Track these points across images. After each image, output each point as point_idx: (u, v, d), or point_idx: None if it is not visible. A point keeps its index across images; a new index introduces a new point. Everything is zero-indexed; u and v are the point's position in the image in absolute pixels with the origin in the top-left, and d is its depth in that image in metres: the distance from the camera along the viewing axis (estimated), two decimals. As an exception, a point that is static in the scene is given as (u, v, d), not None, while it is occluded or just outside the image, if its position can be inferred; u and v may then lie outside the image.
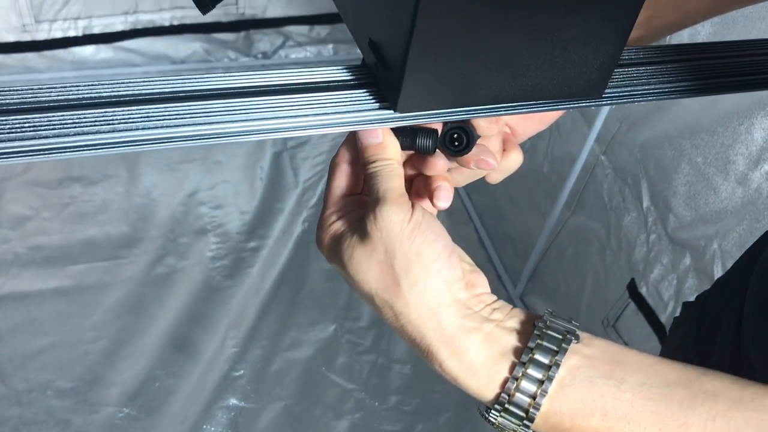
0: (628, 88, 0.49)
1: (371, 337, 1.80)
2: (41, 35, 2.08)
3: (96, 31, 2.13)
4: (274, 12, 2.25)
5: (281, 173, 2.10)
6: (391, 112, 0.45)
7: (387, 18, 0.43)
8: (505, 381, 0.43)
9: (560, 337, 0.43)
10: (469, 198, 2.11)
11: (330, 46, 2.38)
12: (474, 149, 0.49)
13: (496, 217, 2.04)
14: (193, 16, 2.15)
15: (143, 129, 0.41)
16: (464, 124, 0.48)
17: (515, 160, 0.53)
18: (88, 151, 0.40)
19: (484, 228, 2.08)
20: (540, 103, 0.47)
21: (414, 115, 0.45)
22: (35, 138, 0.40)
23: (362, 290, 0.46)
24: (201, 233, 1.94)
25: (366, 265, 0.45)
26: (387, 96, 0.45)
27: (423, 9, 0.39)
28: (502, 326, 0.44)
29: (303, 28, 2.34)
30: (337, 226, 0.48)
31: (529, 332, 0.44)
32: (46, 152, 0.40)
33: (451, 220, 2.06)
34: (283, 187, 2.08)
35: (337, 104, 0.45)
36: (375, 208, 0.45)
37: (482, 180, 0.55)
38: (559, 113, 0.53)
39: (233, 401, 1.66)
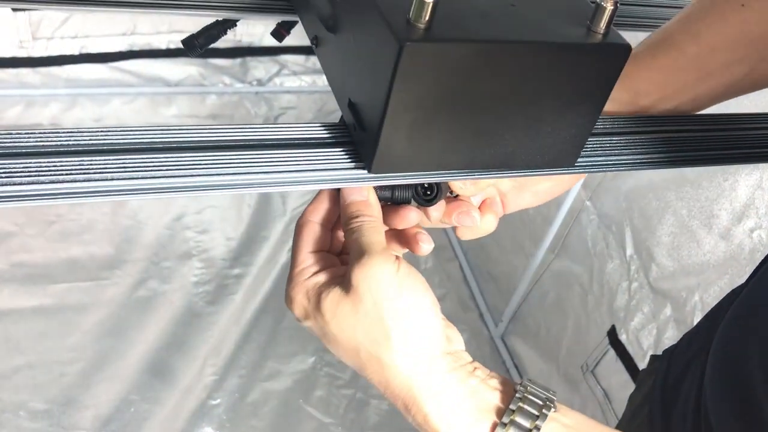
0: (601, 158, 0.49)
1: (350, 371, 1.79)
2: (38, 52, 2.09)
3: (92, 50, 2.14)
4: (270, 40, 2.26)
5: (269, 201, 2.11)
6: (365, 172, 0.45)
7: (365, 82, 0.43)
8: None
9: (540, 402, 0.44)
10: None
11: (324, 76, 2.39)
12: (458, 203, 0.50)
13: (481, 256, 2.04)
14: (191, 40, 2.16)
15: (117, 180, 0.42)
16: None
17: (489, 223, 0.53)
18: (62, 199, 0.41)
19: (469, 266, 2.08)
20: (512, 170, 0.47)
21: (387, 176, 0.46)
22: (9, 184, 0.40)
23: (345, 345, 0.45)
24: (185, 257, 1.93)
25: (353, 319, 0.44)
26: (362, 156, 0.45)
27: (400, 77, 0.39)
28: (486, 384, 0.45)
29: (299, 58, 2.36)
30: (314, 280, 0.47)
31: (510, 394, 0.44)
32: (19, 199, 0.40)
33: (438, 256, 2.07)
34: (270, 215, 2.08)
35: (313, 161, 0.45)
36: (361, 260, 0.44)
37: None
38: (555, 194, 0.54)
39: (208, 430, 1.64)
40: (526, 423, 0.43)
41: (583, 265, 1.60)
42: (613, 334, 1.50)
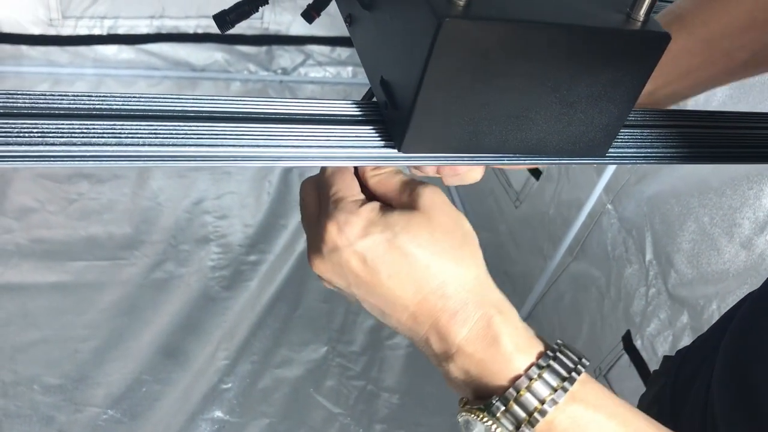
0: (632, 150, 0.49)
1: (362, 362, 1.79)
2: (66, 31, 2.10)
3: (121, 31, 2.15)
4: (297, 30, 2.27)
5: (289, 189, 2.11)
6: (395, 151, 0.45)
7: (400, 59, 0.43)
8: (516, 377, 0.43)
9: (577, 359, 0.44)
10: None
11: (350, 68, 2.40)
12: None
13: (499, 255, 2.03)
14: (218, 26, 2.17)
15: (149, 145, 0.42)
16: None
17: (475, 171, 0.53)
18: (92, 162, 0.41)
19: (486, 264, 2.07)
20: (543, 157, 0.47)
21: (417, 156, 0.45)
22: (42, 144, 0.40)
23: (414, 256, 0.43)
24: (203, 242, 1.94)
25: (428, 229, 0.44)
26: (393, 135, 0.45)
27: (436, 54, 0.39)
28: (528, 326, 0.46)
29: (324, 48, 2.36)
30: (374, 204, 0.45)
31: (547, 344, 0.45)
32: (52, 159, 0.40)
33: (454, 253, 2.06)
34: (289, 204, 2.08)
35: (343, 138, 0.45)
36: (428, 186, 0.45)
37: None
38: None
39: (218, 414, 1.65)
40: (563, 371, 0.43)
41: (601, 269, 1.59)
42: (628, 339, 1.49)
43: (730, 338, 0.59)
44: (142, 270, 1.84)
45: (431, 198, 0.44)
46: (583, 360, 0.44)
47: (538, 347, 0.44)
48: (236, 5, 0.67)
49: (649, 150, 0.49)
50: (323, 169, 0.48)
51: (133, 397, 1.63)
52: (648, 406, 0.77)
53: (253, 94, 2.31)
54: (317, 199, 0.47)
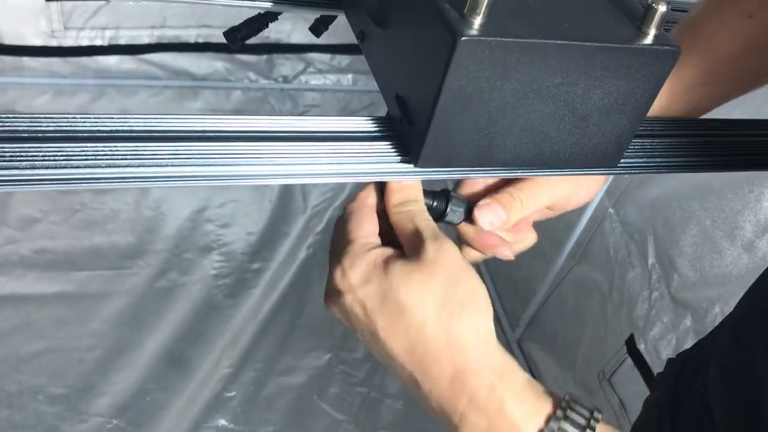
0: (643, 160, 0.50)
1: (365, 369, 1.80)
2: (68, 42, 2.11)
3: (122, 42, 2.16)
4: (297, 38, 2.28)
5: (291, 197, 2.12)
6: (411, 166, 0.46)
7: (415, 76, 0.44)
8: (549, 418, 0.42)
9: (588, 413, 0.43)
10: (475, 238, 2.11)
11: (350, 75, 2.40)
12: (494, 238, 0.52)
13: (501, 260, 2.03)
14: (218, 35, 2.17)
15: (171, 166, 0.42)
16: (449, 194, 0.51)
17: (530, 239, 0.54)
18: (117, 183, 0.41)
19: (488, 269, 2.08)
20: (556, 169, 0.48)
21: (433, 170, 0.46)
22: (67, 167, 0.40)
23: (412, 313, 0.42)
24: (206, 250, 1.94)
25: (427, 287, 0.42)
26: (409, 150, 0.46)
27: (452, 72, 0.40)
28: (533, 382, 0.45)
29: (325, 56, 2.37)
30: (380, 251, 0.45)
31: (556, 402, 0.43)
32: (76, 182, 0.40)
33: (455, 258, 2.06)
34: (291, 211, 2.09)
35: (359, 155, 0.46)
36: (436, 240, 0.44)
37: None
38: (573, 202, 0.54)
39: (222, 422, 1.65)
40: (581, 419, 0.42)
41: (603, 273, 1.59)
42: (631, 343, 1.49)
43: (726, 334, 0.59)
44: (146, 279, 1.84)
45: (436, 251, 0.43)
46: (595, 414, 0.42)
47: (546, 408, 0.42)
48: (246, 22, 0.68)
49: (659, 159, 0.50)
50: (346, 207, 0.48)
51: (138, 406, 1.64)
52: (649, 408, 0.77)
53: (253, 102, 2.31)
54: (337, 237, 0.47)
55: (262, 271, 1.93)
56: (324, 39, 2.37)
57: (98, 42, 2.13)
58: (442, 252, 0.43)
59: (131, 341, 1.73)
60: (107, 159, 0.41)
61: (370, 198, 0.49)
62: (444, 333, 0.42)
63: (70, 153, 0.40)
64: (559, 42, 0.40)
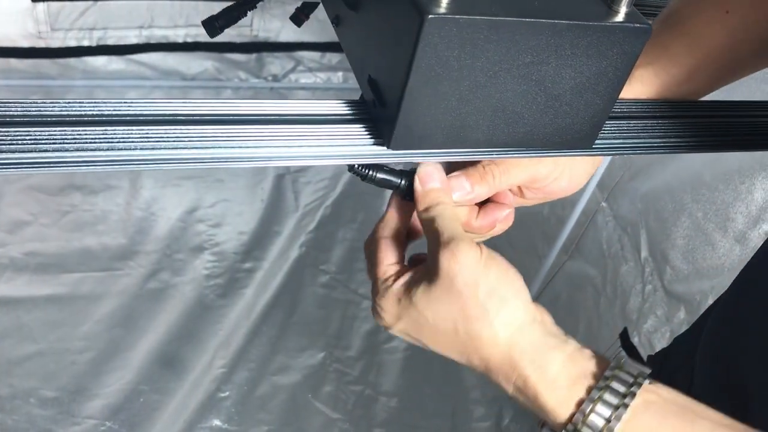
0: (619, 141, 0.49)
1: (359, 367, 1.79)
2: (56, 43, 2.10)
3: (110, 42, 2.15)
4: (287, 36, 2.28)
5: (282, 196, 2.11)
6: (384, 148, 0.45)
7: (386, 57, 0.43)
8: (581, 402, 0.44)
9: (636, 372, 0.44)
10: (468, 234, 2.11)
11: (340, 73, 2.40)
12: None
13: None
14: (207, 34, 2.17)
15: (141, 149, 0.42)
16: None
17: (508, 220, 0.55)
18: (85, 167, 0.41)
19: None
20: (531, 150, 0.47)
21: (406, 152, 0.46)
22: (35, 151, 0.40)
23: (444, 329, 0.46)
24: (197, 251, 1.94)
25: (447, 302, 0.46)
26: (381, 132, 0.46)
27: (421, 51, 0.39)
28: (581, 351, 0.46)
29: (315, 54, 2.36)
30: (399, 283, 0.48)
31: (605, 362, 0.45)
32: (45, 165, 0.40)
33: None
34: (283, 210, 2.08)
35: (333, 137, 0.45)
36: (447, 246, 0.45)
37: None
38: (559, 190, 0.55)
39: (216, 422, 1.65)
40: (622, 388, 0.43)
41: (596, 267, 1.59)
42: (625, 337, 1.49)
43: (713, 323, 0.59)
44: (137, 280, 1.84)
45: (448, 265, 0.45)
46: (639, 379, 0.44)
47: (580, 391, 0.44)
48: (225, 11, 0.67)
49: (635, 141, 0.49)
50: (368, 239, 0.52)
51: (131, 407, 1.63)
52: None
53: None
54: (367, 271, 0.52)
55: (255, 271, 1.93)
56: (313, 36, 2.37)
57: (86, 43, 2.12)
58: (455, 260, 0.45)
59: (123, 343, 1.72)
60: (75, 143, 0.40)
61: (385, 230, 0.52)
62: (476, 339, 0.46)
63: (38, 137, 0.40)
64: (528, 20, 0.39)
